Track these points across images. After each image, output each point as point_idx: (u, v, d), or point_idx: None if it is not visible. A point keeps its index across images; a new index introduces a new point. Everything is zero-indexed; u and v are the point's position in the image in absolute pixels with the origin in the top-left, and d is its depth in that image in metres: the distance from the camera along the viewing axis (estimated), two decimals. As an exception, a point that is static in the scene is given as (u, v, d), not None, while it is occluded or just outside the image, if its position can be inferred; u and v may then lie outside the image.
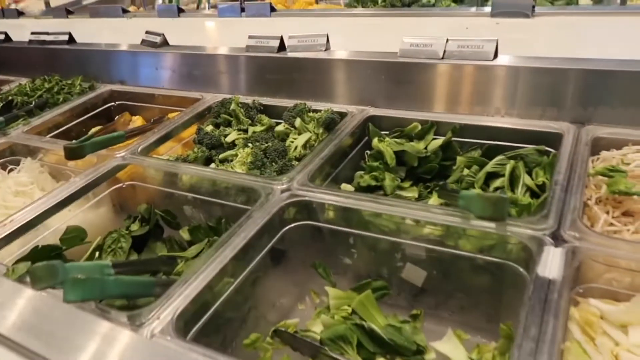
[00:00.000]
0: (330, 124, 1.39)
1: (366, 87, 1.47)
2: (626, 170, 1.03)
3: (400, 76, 1.42)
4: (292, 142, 1.41)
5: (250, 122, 1.55)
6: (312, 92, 1.56)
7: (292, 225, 1.10)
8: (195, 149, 1.48)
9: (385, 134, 1.39)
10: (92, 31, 2.14)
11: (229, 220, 1.19)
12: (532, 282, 0.80)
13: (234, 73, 1.69)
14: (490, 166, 1.22)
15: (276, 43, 1.61)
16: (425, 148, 1.32)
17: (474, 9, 1.84)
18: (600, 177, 1.05)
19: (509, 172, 1.17)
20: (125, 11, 2.57)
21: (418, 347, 0.96)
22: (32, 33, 2.23)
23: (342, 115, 1.44)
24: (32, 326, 0.79)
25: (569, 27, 1.55)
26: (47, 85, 1.98)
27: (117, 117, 1.79)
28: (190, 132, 1.60)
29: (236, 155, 1.44)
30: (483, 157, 1.26)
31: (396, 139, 1.35)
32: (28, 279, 0.91)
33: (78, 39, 2.13)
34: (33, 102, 1.87)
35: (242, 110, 1.57)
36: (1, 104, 1.90)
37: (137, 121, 1.79)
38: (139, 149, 1.42)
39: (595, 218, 0.99)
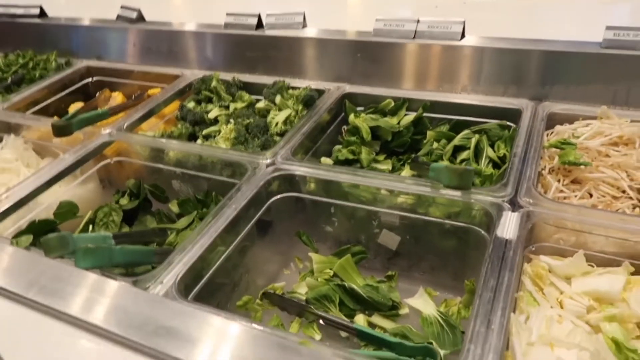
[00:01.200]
0: (309, 100, 1.47)
1: (342, 65, 1.54)
2: (576, 143, 1.16)
3: (374, 55, 1.50)
4: (273, 118, 1.48)
5: (231, 98, 1.61)
6: (290, 69, 1.63)
7: (277, 197, 1.19)
8: (179, 125, 1.54)
9: (361, 110, 1.49)
10: (63, 3, 2.12)
11: (217, 193, 1.28)
12: (491, 243, 0.91)
13: (213, 50, 1.74)
14: (457, 140, 1.33)
15: (254, 20, 1.66)
16: (398, 123, 1.42)
17: None
18: (554, 149, 1.17)
19: (474, 145, 1.28)
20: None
21: (393, 303, 1.08)
22: (0, 6, 2.19)
23: (320, 92, 1.52)
24: (52, 290, 0.87)
25: (531, 7, 1.65)
26: (21, 61, 1.97)
27: (97, 93, 1.81)
28: (171, 109, 1.65)
29: (219, 131, 1.51)
30: (451, 132, 1.37)
31: (371, 115, 1.44)
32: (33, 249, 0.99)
33: (50, 13, 2.11)
34: (10, 79, 1.87)
35: (223, 87, 1.62)
36: (-26, 80, 1.90)
37: (117, 97, 1.82)
38: (125, 126, 1.47)
39: (548, 186, 1.11)
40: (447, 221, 1.09)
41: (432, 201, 1.10)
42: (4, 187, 1.45)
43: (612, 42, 1.26)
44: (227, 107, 1.61)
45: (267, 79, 1.64)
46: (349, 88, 1.51)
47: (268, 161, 1.23)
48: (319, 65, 1.57)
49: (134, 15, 1.89)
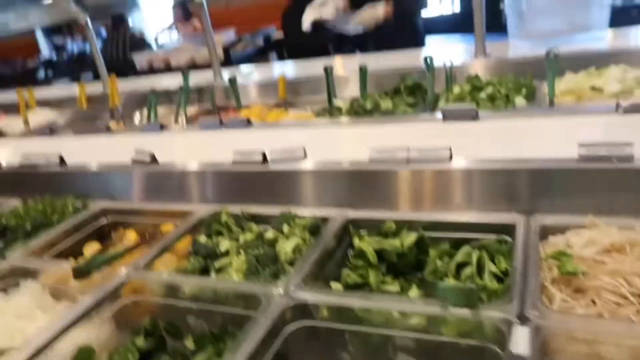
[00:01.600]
0: (315, 228, 1.56)
1: (342, 192, 1.66)
2: (571, 253, 1.23)
3: (372, 181, 1.62)
4: (282, 247, 1.56)
5: (241, 230, 1.70)
6: (294, 198, 1.74)
7: (293, 327, 1.23)
8: (192, 260, 1.61)
9: (364, 233, 1.57)
10: (78, 149, 2.30)
11: (233, 326, 1.31)
12: (507, 360, 0.94)
13: (221, 185, 1.87)
14: (459, 257, 1.39)
15: (259, 157, 1.82)
16: (402, 244, 1.49)
17: (427, 115, 2.12)
18: (552, 260, 1.23)
19: (476, 261, 1.35)
20: (108, 129, 2.77)
21: None
22: (23, 156, 2.37)
23: (324, 219, 1.61)
24: None
25: (509, 128, 1.82)
26: (40, 208, 2.09)
27: (113, 234, 1.90)
28: (184, 244, 1.73)
29: (231, 263, 1.58)
30: (452, 249, 1.44)
31: (375, 237, 1.52)
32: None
33: (67, 159, 2.28)
34: (29, 226, 1.97)
35: (232, 220, 1.72)
36: (-5, 229, 2.00)
37: (130, 235, 1.91)
38: (141, 265, 1.54)
39: (552, 297, 1.16)
40: (460, 340, 1.12)
41: (444, 321, 1.13)
42: (20, 334, 1.48)
43: (588, 157, 1.38)
44: (237, 240, 1.69)
45: (272, 210, 1.75)
46: (351, 214, 1.61)
47: (281, 291, 1.28)
48: (321, 194, 1.69)
49: (147, 158, 2.05)
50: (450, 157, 1.54)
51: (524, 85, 2.48)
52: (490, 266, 1.31)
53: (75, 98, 4.26)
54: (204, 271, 1.60)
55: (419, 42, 4.16)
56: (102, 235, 2.04)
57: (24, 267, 1.71)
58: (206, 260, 1.61)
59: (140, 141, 2.55)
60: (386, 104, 2.52)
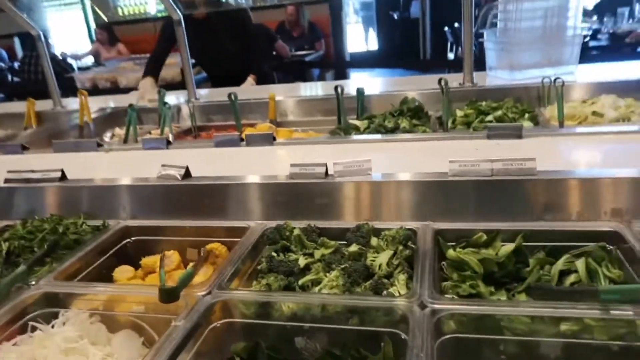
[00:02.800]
0: (408, 240, 1.50)
1: (422, 204, 1.62)
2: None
3: (452, 192, 1.60)
4: (374, 261, 1.47)
5: (315, 245, 1.58)
6: (365, 212, 1.66)
7: (443, 339, 1.14)
8: (272, 278, 1.45)
9: (452, 245, 1.53)
10: (70, 167, 2.02)
11: (361, 344, 1.19)
12: None
13: (277, 200, 1.74)
14: (560, 264, 1.40)
15: (322, 169, 1.72)
16: (496, 254, 1.48)
17: (469, 133, 2.17)
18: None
19: (584, 268, 1.36)
20: (99, 145, 2.49)
21: None
22: (10, 172, 2.04)
23: (413, 231, 1.55)
24: None
25: (552, 144, 1.91)
26: (47, 227, 1.79)
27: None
28: (249, 262, 1.57)
29: (317, 280, 1.45)
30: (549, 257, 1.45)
31: (470, 249, 1.49)
32: None
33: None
34: (44, 247, 1.68)
35: (304, 235, 1.60)
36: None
37: (173, 256, 1.70)
38: (225, 284, 1.36)
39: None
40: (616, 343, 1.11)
41: (597, 324, 1.12)
42: None
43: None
44: (312, 255, 1.57)
45: (336, 224, 1.66)
46: (436, 225, 1.57)
47: (418, 301, 1.19)
48: (402, 207, 1.63)
49: (180, 172, 1.86)
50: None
51: (527, 111, 2.64)
52: (604, 271, 1.33)
53: (7, 115, 3.85)
54: (287, 289, 1.46)
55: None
56: (128, 257, 1.79)
57: (59, 293, 1.44)
58: (289, 278, 1.47)
59: (142, 157, 2.33)
60: (404, 123, 2.55)
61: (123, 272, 1.69)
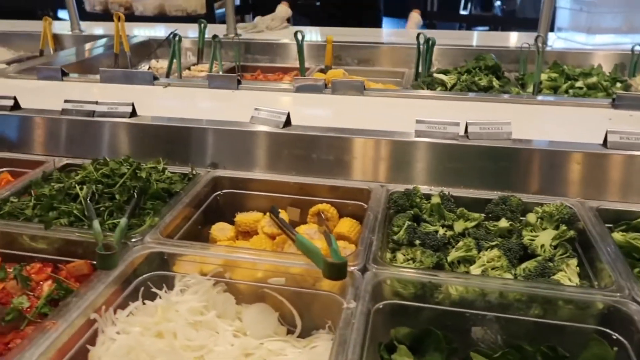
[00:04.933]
0: (571, 218, 1.32)
1: (572, 179, 1.43)
2: None
3: (609, 168, 1.42)
4: (532, 240, 1.29)
5: (454, 216, 1.39)
6: (504, 182, 1.47)
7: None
8: (420, 253, 1.26)
9: (608, 227, 1.36)
10: (128, 99, 1.73)
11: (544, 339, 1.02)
12: None
13: (404, 159, 1.52)
14: None
15: (456, 129, 1.50)
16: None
17: (587, 99, 1.98)
18: None
19: None
20: (155, 78, 2.18)
21: None
22: (67, 101, 1.75)
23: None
24: None
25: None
26: (125, 170, 1.53)
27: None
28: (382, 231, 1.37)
29: (468, 257, 1.27)
30: None
31: (634, 233, 1.32)
32: None
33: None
34: (126, 194, 1.43)
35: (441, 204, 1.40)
36: (63, 195, 1.42)
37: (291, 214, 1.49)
38: (379, 258, 1.16)
39: None
40: None
41: None
42: (211, 354, 1.04)
43: None
44: (451, 227, 1.38)
45: (474, 193, 1.46)
46: (594, 203, 1.39)
47: (629, 297, 1.03)
48: (547, 179, 1.44)
49: (282, 118, 1.61)
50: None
51: (617, 79, 2.45)
52: None
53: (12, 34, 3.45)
54: (437, 266, 1.27)
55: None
56: (219, 214, 1.56)
57: (174, 254, 1.22)
58: (437, 253, 1.28)
59: (209, 96, 2.05)
60: (487, 81, 2.32)
61: (222, 230, 1.48)
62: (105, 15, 4.77)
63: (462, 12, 6.83)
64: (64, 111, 1.74)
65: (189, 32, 3.27)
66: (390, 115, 1.83)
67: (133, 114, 1.72)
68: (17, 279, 1.17)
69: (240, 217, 1.52)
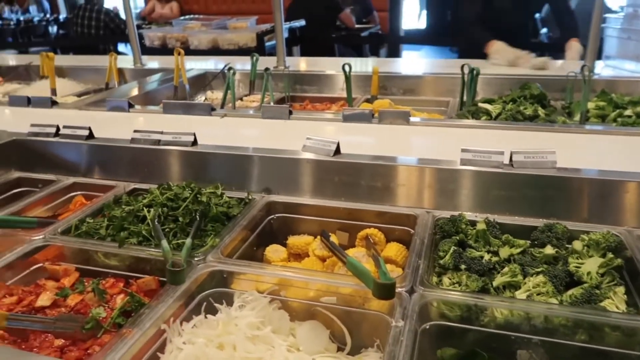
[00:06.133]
0: (618, 247, 1.33)
1: (619, 207, 1.45)
2: None
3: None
4: (578, 267, 1.31)
5: (498, 242, 1.43)
6: (551, 210, 1.50)
7: None
8: (465, 277, 1.31)
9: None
10: (189, 129, 1.87)
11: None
12: None
13: (450, 187, 1.58)
14: None
15: (500, 158, 1.55)
16: None
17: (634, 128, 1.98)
18: None
19: None
20: (213, 109, 2.34)
21: None
22: (137, 131, 1.92)
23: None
24: None
25: None
26: (187, 195, 1.66)
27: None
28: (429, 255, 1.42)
29: (514, 283, 1.30)
30: None
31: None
32: None
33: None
34: (188, 217, 1.55)
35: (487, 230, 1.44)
36: (129, 217, 1.56)
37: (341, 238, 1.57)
38: (426, 280, 1.22)
39: None
40: None
41: None
42: None
43: None
44: (496, 253, 1.41)
45: (519, 220, 1.50)
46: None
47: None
48: (596, 208, 1.46)
49: (332, 147, 1.71)
50: None
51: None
52: None
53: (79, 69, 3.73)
54: (482, 290, 1.31)
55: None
56: (272, 236, 1.66)
57: (232, 272, 1.32)
58: (482, 278, 1.32)
59: (268, 125, 2.18)
60: (532, 110, 2.35)
61: (276, 251, 1.57)
62: (162, 49, 5.11)
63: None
64: (133, 140, 1.91)
65: (239, 64, 3.44)
66: (435, 143, 1.90)
67: (194, 142, 1.86)
68: (95, 292, 1.30)
69: (292, 240, 1.62)
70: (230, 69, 2.81)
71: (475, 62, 2.86)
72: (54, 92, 3.16)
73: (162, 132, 1.89)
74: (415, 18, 13.03)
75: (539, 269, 1.33)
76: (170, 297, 1.18)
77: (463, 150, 1.59)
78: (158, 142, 1.88)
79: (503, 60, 2.97)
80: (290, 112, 2.23)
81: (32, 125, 2.02)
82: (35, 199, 1.79)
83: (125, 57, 4.22)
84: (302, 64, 3.73)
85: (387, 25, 9.71)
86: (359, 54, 7.73)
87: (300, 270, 1.36)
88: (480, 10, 3.19)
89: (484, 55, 3.15)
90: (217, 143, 1.90)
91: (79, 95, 3.27)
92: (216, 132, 2.13)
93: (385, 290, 1.08)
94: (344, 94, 3.19)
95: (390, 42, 9.62)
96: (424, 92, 3.12)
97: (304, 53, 5.86)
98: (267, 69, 2.88)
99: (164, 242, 1.32)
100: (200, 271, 1.30)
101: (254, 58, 3.17)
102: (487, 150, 1.57)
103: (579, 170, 1.51)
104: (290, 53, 5.56)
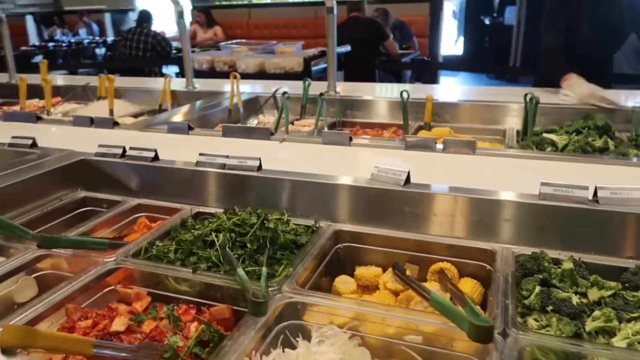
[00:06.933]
0: None
1: None
2: None
3: None
4: (677, 313, 1.22)
5: (588, 284, 1.35)
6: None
7: None
8: (556, 320, 1.23)
9: None
10: (250, 153, 1.86)
11: None
12: None
13: (529, 222, 1.51)
14: None
15: (584, 193, 1.48)
16: None
17: None
18: None
19: None
20: (272, 133, 2.34)
21: None
22: (202, 154, 1.92)
23: None
24: None
25: None
26: (255, 221, 1.64)
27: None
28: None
29: (608, 328, 1.22)
30: None
31: None
32: None
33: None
34: (256, 243, 1.53)
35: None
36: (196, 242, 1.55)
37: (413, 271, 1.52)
38: (517, 322, 1.15)
39: None
40: None
41: None
42: None
43: None
44: (584, 294, 1.34)
45: (605, 260, 1.42)
46: None
47: None
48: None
49: (402, 176, 1.67)
50: None
51: None
52: None
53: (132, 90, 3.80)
54: (575, 335, 1.23)
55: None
56: (340, 266, 1.62)
57: (308, 304, 1.28)
58: (573, 321, 1.24)
59: (328, 151, 2.16)
60: (602, 142, 2.27)
61: (345, 283, 1.53)
62: (210, 73, 5.21)
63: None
64: (199, 163, 1.92)
65: (285, 88, 3.46)
66: (507, 175, 1.84)
67: (259, 167, 1.85)
68: (170, 319, 1.28)
69: (361, 272, 1.57)
70: (284, 93, 2.82)
71: (533, 91, 2.80)
72: (111, 112, 3.24)
73: (227, 157, 1.89)
74: (452, 44, 13.02)
75: (634, 314, 1.24)
76: (251, 329, 1.15)
77: (543, 184, 1.53)
78: (223, 166, 1.88)
79: (575, 96, 2.85)
80: (351, 139, 2.20)
81: (100, 145, 2.06)
82: (102, 220, 1.81)
83: (175, 80, 4.31)
84: (347, 88, 3.73)
85: (426, 51, 9.72)
86: (398, 79, 7.73)
87: (377, 305, 1.31)
88: (562, 39, 3.08)
89: (557, 86, 3.03)
90: (278, 168, 1.88)
91: (135, 115, 3.34)
92: (277, 156, 2.12)
93: (483, 333, 1.02)
94: (394, 120, 3.18)
95: (431, 68, 9.62)
96: (475, 120, 3.07)
97: (347, 78, 5.89)
98: (321, 94, 2.89)
99: (241, 271, 1.29)
100: (277, 302, 1.26)
101: (307, 83, 3.19)
102: (570, 184, 1.50)
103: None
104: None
